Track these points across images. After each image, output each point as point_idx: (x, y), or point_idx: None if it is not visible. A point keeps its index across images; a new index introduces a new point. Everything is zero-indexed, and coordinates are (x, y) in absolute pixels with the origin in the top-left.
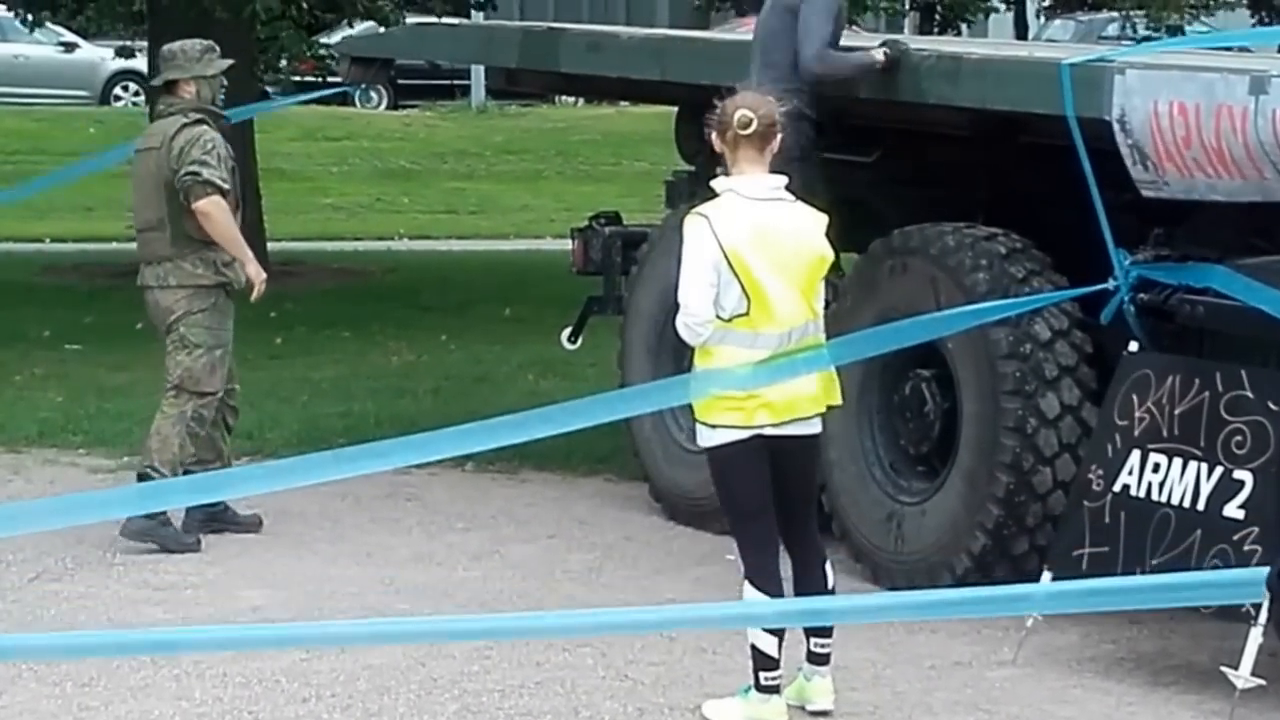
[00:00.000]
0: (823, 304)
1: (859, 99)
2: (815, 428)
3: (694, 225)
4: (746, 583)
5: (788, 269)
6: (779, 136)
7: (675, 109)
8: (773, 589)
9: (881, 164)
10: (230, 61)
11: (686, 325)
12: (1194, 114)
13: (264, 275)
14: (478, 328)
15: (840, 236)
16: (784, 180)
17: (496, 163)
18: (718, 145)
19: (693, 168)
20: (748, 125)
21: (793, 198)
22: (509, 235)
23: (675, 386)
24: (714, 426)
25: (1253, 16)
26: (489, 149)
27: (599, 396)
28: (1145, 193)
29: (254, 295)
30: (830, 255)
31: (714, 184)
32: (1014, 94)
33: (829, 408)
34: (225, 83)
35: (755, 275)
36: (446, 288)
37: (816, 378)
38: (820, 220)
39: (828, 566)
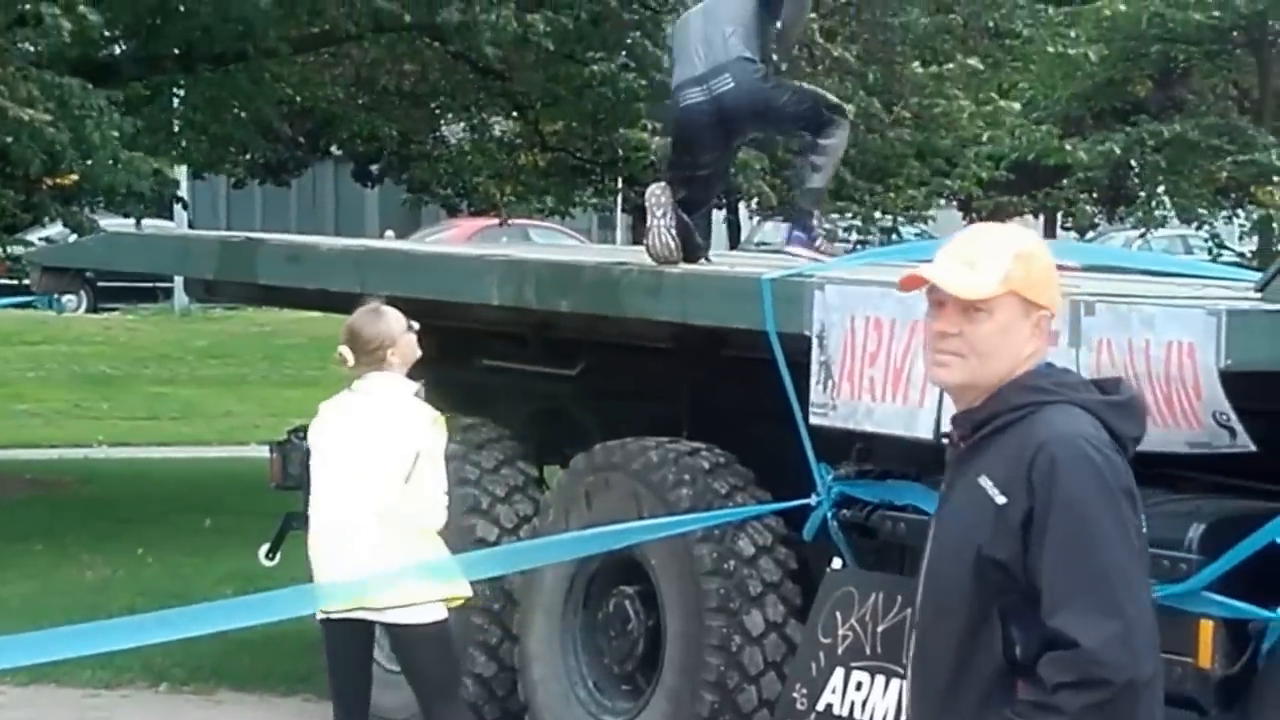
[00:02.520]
0: (420, 497)
1: (561, 311)
2: (405, 618)
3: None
4: None
5: (359, 460)
6: (390, 349)
7: None
8: None
9: (584, 377)
10: None
11: None
12: (889, 330)
13: None
14: (177, 539)
15: (543, 450)
16: (397, 380)
17: (200, 367)
18: None
19: None
20: (344, 363)
21: (405, 396)
22: (212, 442)
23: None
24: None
25: (964, 218)
26: (192, 353)
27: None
28: (813, 419)
29: None
30: (422, 447)
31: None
32: (716, 309)
33: (453, 600)
34: None
35: (322, 463)
36: (145, 497)
37: (390, 568)
38: (421, 417)
39: None
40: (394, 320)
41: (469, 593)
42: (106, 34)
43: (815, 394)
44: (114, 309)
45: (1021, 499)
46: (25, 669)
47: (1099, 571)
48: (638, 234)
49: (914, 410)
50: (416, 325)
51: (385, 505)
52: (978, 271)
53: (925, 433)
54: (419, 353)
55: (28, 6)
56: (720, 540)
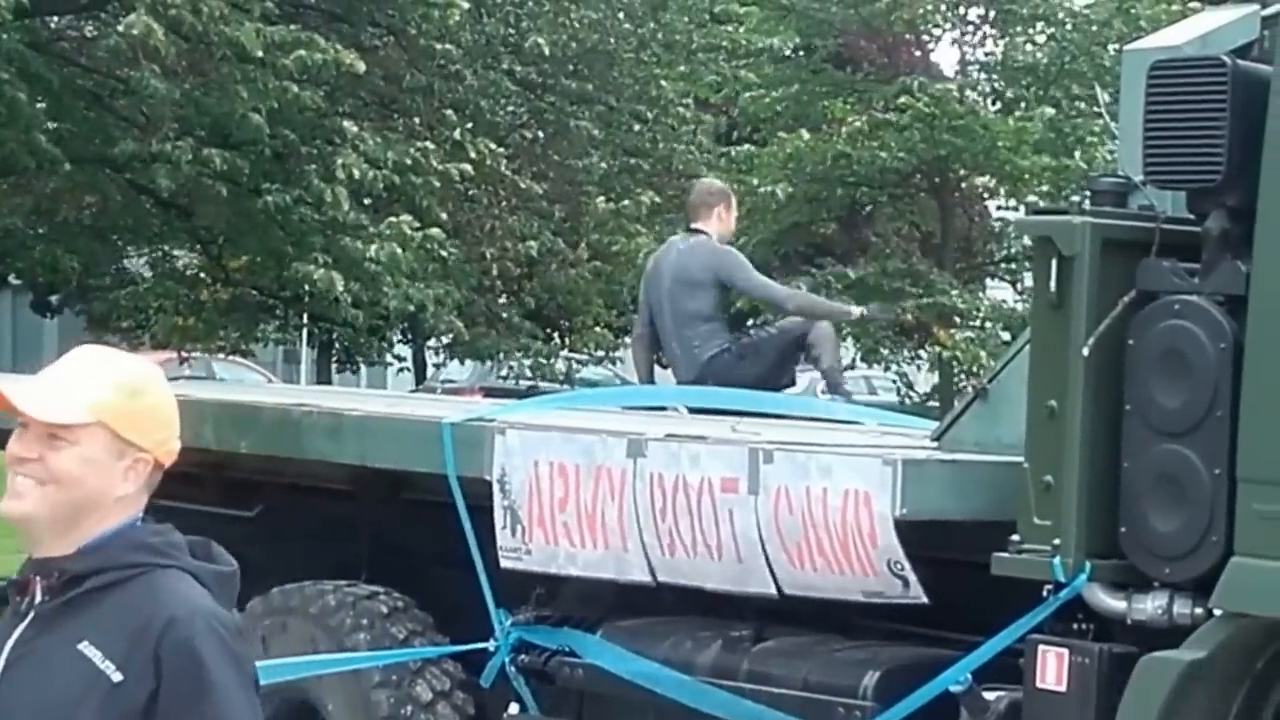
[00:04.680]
0: None
1: (240, 452)
2: None
3: None
4: None
5: None
6: None
7: None
8: None
9: (263, 518)
10: None
11: None
12: (574, 475)
13: None
14: None
15: None
16: None
17: None
18: None
19: None
20: None
21: None
22: None
23: None
24: None
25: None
26: None
27: None
28: (505, 562)
29: None
30: None
31: None
32: (396, 451)
33: None
34: None
35: None
36: None
37: None
38: None
39: None
40: None
41: None
42: None
43: (504, 538)
44: None
45: (147, 678)
46: None
47: None
48: (321, 369)
49: (619, 554)
50: None
51: None
52: (65, 394)
53: (641, 575)
54: None
55: None
56: (398, 685)
